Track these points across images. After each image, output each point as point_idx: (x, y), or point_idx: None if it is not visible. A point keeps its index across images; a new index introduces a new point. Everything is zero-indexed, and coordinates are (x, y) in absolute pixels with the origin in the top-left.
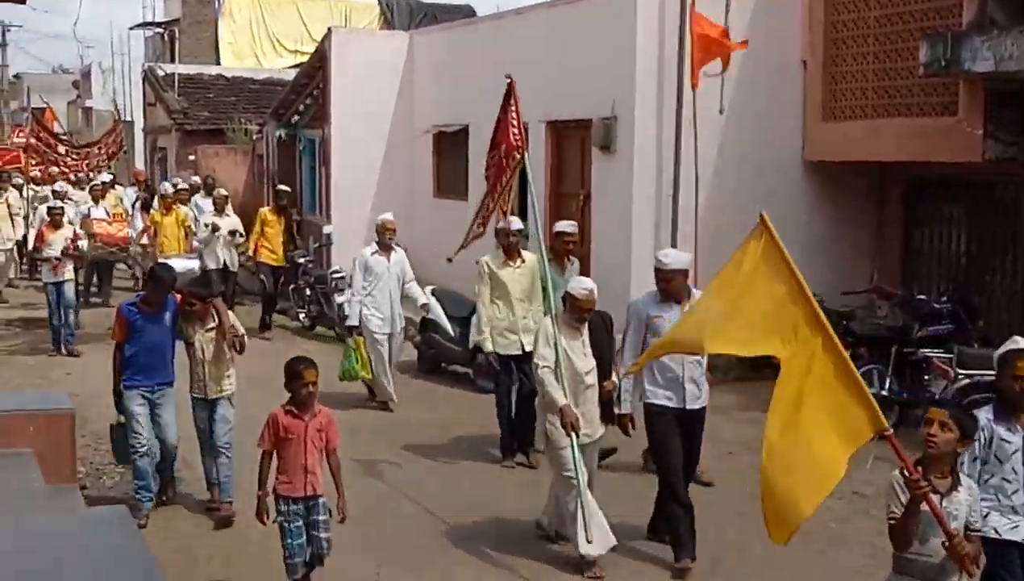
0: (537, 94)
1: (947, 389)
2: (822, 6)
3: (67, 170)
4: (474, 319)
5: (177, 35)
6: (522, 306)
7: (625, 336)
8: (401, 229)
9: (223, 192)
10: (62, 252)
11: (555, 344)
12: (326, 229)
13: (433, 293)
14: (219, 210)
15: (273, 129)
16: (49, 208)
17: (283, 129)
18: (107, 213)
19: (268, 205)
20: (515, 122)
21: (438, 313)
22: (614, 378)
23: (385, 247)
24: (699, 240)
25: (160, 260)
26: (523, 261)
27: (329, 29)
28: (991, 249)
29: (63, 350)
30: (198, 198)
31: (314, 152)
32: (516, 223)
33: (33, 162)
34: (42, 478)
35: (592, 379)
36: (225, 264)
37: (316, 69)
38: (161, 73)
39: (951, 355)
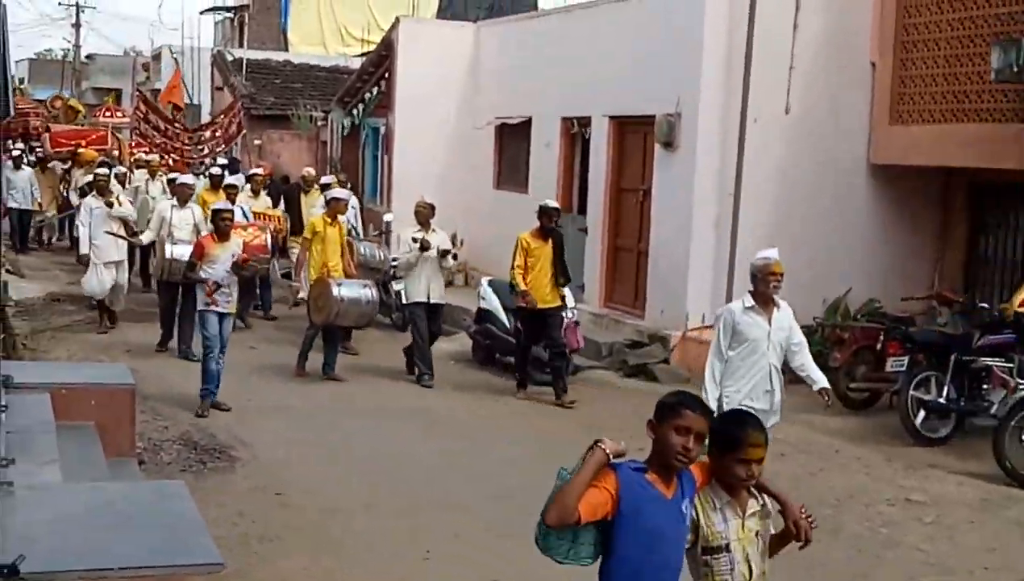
0: (601, 89)
1: (1006, 399)
2: (894, 8)
3: (180, 157)
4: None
5: (246, 20)
6: None
7: None
8: (460, 220)
9: (427, 201)
10: (232, 268)
11: None
12: (386, 217)
13: (489, 284)
14: (423, 223)
15: (338, 116)
16: (216, 211)
17: (348, 117)
18: (244, 214)
19: (528, 230)
20: None
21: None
22: None
23: (766, 301)
24: (761, 241)
25: (331, 282)
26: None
27: (397, 18)
28: None
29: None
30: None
31: (377, 141)
32: None
33: (130, 145)
34: (102, 451)
35: None
36: (429, 296)
37: (382, 58)
38: (229, 58)
39: (1011, 365)
